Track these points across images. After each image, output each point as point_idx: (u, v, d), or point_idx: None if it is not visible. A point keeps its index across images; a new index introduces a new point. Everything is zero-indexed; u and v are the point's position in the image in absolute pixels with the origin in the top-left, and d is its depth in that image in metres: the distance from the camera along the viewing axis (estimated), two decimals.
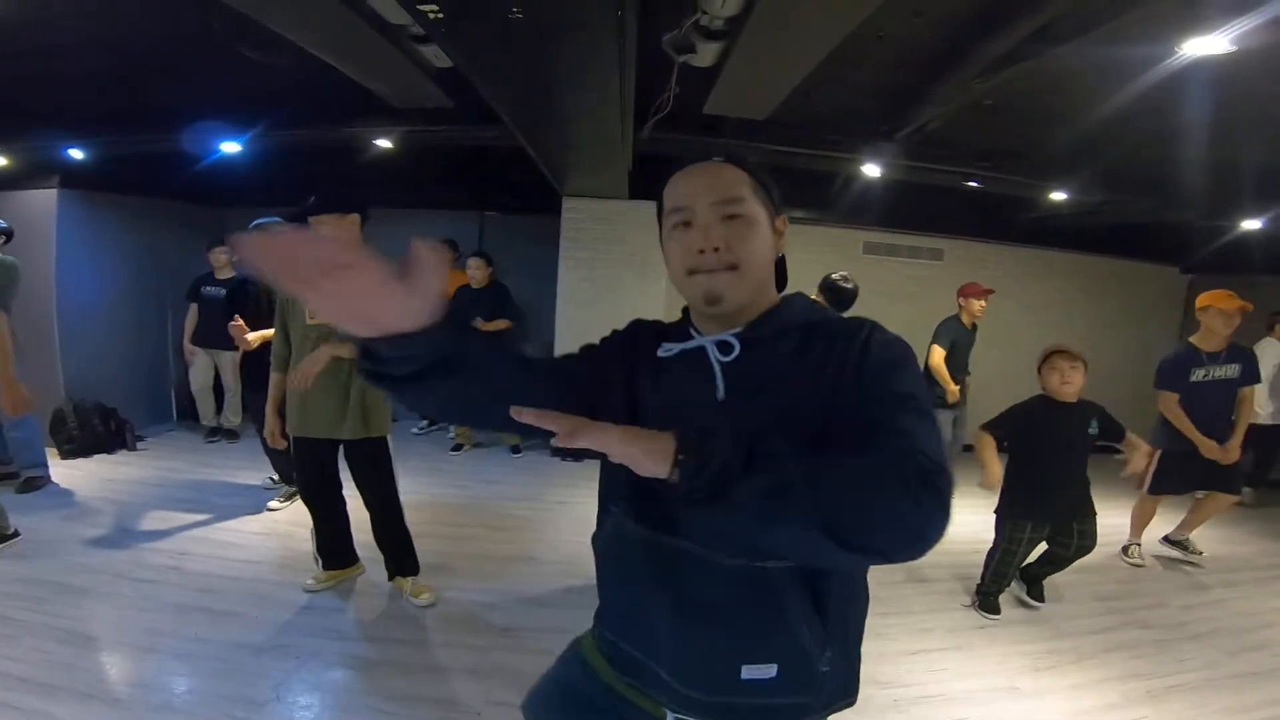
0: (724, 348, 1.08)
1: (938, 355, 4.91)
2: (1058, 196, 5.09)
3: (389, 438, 3.19)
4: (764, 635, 1.08)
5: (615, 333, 1.23)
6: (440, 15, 2.03)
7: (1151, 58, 2.76)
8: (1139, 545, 4.38)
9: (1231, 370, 4.06)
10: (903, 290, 6.71)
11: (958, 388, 4.93)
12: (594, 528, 1.24)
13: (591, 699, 1.24)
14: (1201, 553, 4.34)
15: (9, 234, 4.31)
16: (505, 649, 2.93)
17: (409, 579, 3.30)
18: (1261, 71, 2.88)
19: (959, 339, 5.03)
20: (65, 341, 5.36)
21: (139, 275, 5.97)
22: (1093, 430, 3.33)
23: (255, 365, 3.59)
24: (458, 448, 5.99)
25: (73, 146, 4.90)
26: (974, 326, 5.14)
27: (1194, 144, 3.91)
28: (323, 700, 2.55)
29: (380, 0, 2.54)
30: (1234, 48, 2.45)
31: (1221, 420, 4.05)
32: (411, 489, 4.90)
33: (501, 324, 5.59)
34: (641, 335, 1.21)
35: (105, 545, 3.67)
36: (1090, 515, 3.40)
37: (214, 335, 5.55)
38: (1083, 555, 3.46)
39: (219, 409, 5.93)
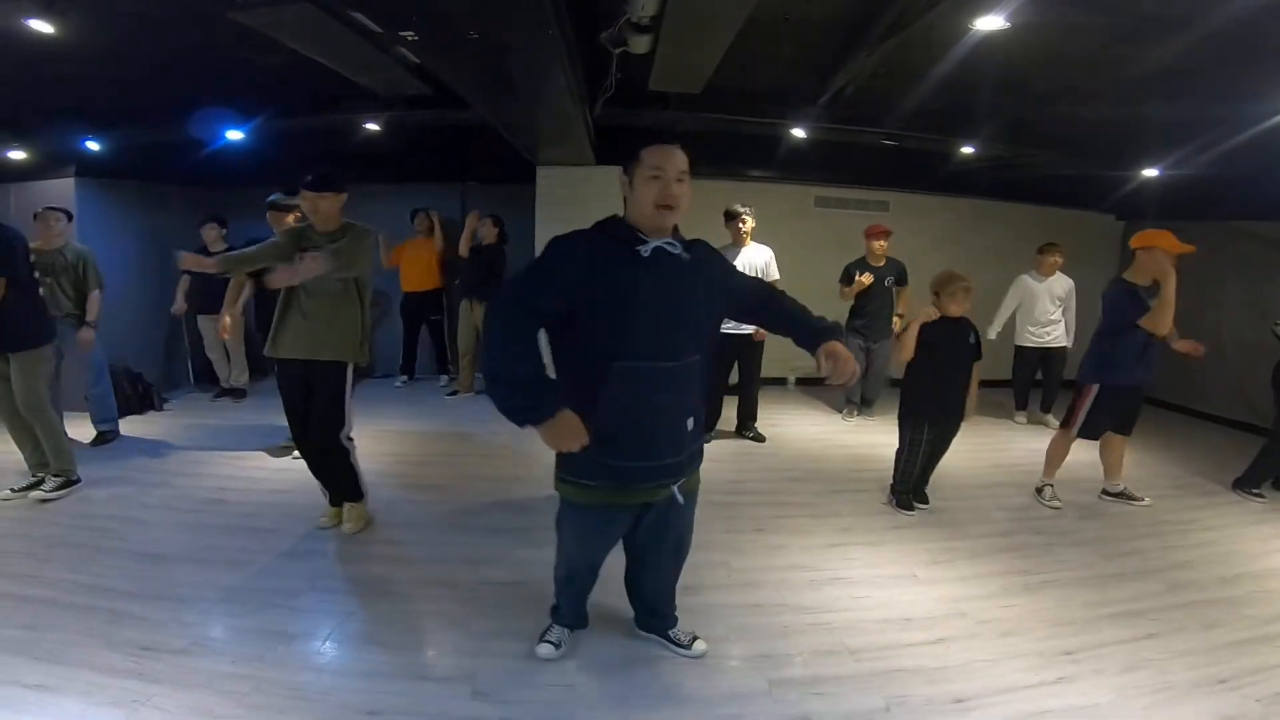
0: (675, 246, 2.03)
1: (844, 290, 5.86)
2: (967, 150, 5.67)
3: (350, 367, 3.45)
4: (695, 399, 2.14)
5: (563, 249, 1.96)
6: (416, 37, 2.61)
7: (969, 30, 3.23)
8: (1052, 486, 4.38)
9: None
10: (854, 240, 7.23)
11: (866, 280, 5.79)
12: None
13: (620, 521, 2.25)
14: (1145, 499, 4.40)
15: (70, 215, 4.84)
16: (492, 545, 3.56)
17: (344, 506, 3.69)
18: (1105, 37, 3.42)
19: (863, 274, 5.86)
20: None
21: (151, 254, 6.47)
22: (972, 340, 3.98)
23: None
24: (454, 394, 6.65)
25: (89, 139, 5.37)
26: (887, 262, 5.93)
27: (1075, 102, 4.48)
28: (346, 586, 3.17)
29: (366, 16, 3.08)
30: (1007, 25, 3.02)
31: None
32: (406, 428, 5.57)
33: None
34: (594, 246, 1.96)
35: (156, 486, 4.23)
36: (961, 417, 4.05)
37: (209, 301, 5.98)
38: (945, 450, 4.15)
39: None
